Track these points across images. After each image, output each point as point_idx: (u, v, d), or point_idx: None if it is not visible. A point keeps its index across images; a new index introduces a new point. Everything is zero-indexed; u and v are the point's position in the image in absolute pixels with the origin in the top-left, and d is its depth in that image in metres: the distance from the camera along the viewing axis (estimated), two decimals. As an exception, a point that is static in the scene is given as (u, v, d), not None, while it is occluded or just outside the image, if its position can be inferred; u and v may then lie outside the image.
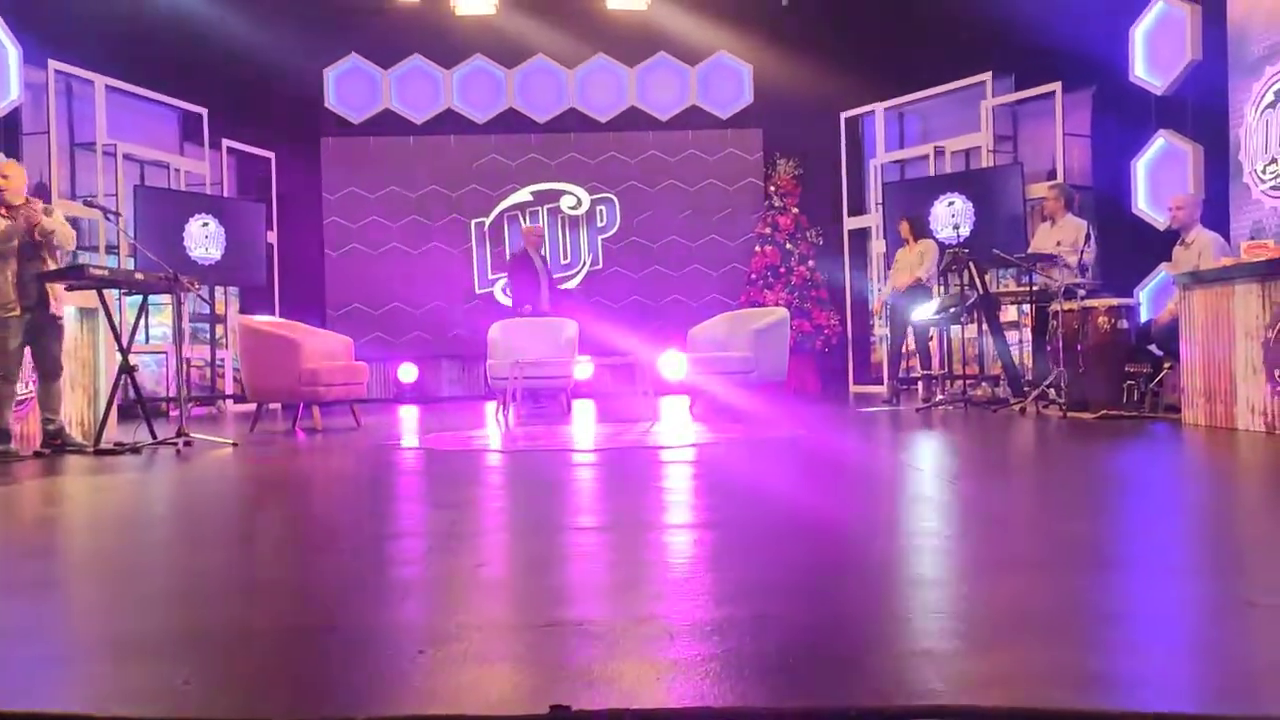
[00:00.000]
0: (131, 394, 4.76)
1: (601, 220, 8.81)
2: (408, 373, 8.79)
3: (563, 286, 8.66)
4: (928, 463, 3.31)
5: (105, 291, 4.43)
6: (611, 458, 3.67)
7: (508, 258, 7.94)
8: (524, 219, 8.98)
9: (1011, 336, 6.68)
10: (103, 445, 4.35)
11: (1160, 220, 6.00)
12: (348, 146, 9.03)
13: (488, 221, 9.07)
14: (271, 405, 6.79)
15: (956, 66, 7.71)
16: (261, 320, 5.89)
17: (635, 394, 5.90)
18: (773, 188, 8.73)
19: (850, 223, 8.74)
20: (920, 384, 6.72)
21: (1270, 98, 5.16)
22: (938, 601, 1.53)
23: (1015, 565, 1.77)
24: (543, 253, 6.77)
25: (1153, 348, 4.93)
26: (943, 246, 6.80)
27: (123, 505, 2.86)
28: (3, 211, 4.16)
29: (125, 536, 2.35)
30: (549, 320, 6.91)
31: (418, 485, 3.14)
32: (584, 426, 5.17)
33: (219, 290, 7.82)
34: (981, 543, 2.00)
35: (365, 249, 8.98)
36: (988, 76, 7.64)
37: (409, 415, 7.23)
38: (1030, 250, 5.70)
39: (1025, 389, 5.66)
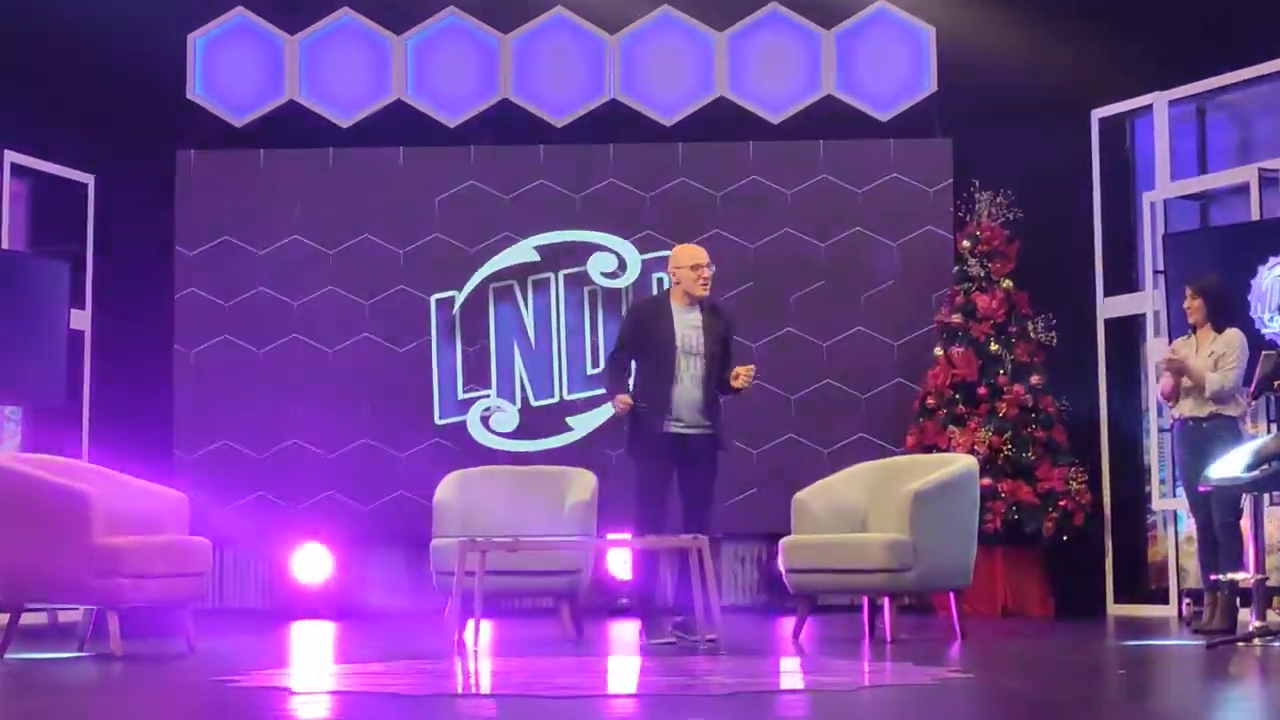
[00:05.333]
0: None
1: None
2: (313, 564, 9.10)
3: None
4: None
5: None
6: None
7: (625, 310, 8.29)
8: (523, 296, 9.40)
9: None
10: None
11: None
12: (223, 167, 9.53)
13: (460, 298, 9.38)
14: (36, 610, 6.99)
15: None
16: (25, 460, 6.27)
17: (698, 602, 6.29)
18: (968, 242, 8.95)
19: (1109, 306, 8.98)
20: (1218, 596, 6.92)
21: None
22: None
23: None
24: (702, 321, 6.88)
25: None
26: (1263, 344, 7.10)
27: None
28: None
29: None
30: (543, 472, 7.45)
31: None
32: (609, 660, 5.75)
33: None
34: None
35: (244, 343, 9.37)
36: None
37: (304, 638, 7.65)
38: None
39: None
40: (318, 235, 9.31)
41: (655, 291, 8.91)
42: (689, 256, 6.71)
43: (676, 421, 6.50)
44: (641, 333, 6.70)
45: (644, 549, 6.66)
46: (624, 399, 6.50)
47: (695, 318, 6.63)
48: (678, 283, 6.68)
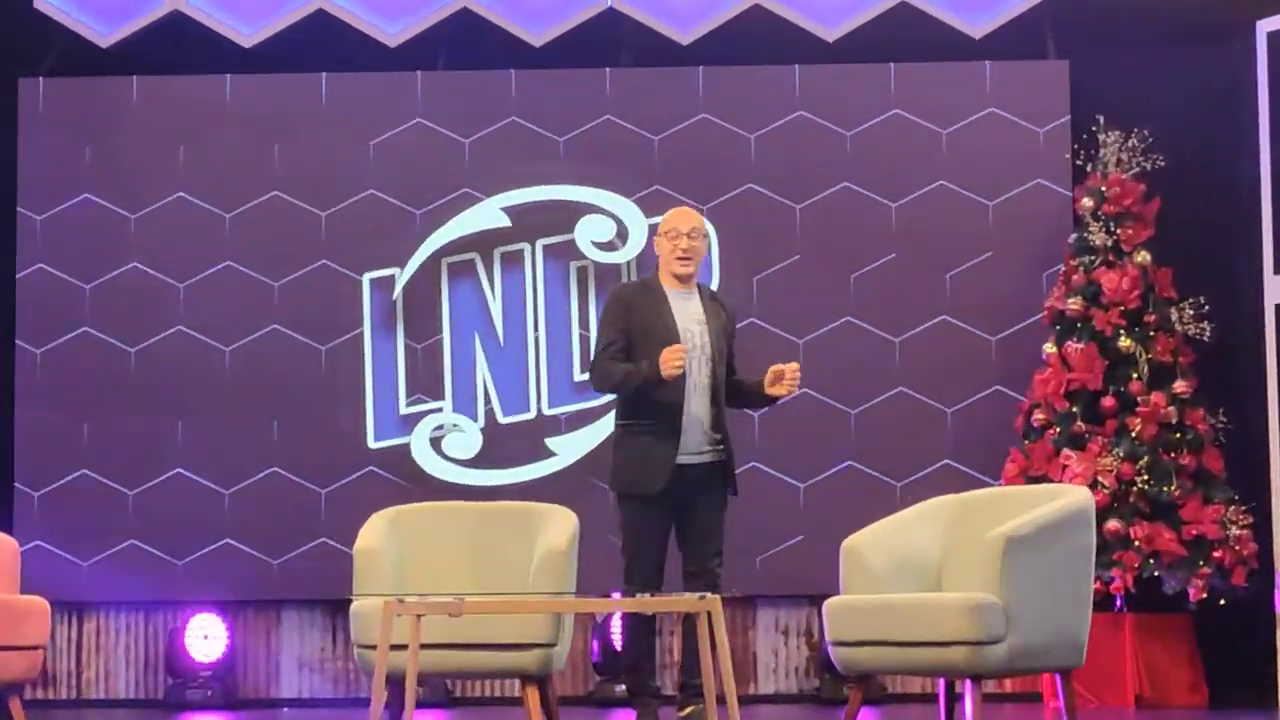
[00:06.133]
0: None
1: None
2: (202, 637, 9.06)
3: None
4: None
5: None
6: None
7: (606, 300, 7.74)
8: (488, 275, 9.37)
9: None
10: None
11: None
12: (83, 100, 9.50)
13: (403, 277, 9.38)
14: None
15: None
16: None
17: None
18: (1090, 200, 8.90)
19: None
20: None
21: None
22: None
23: None
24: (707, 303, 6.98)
25: None
26: None
27: None
28: None
29: None
30: (505, 511, 7.39)
31: None
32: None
33: None
34: None
35: (111, 339, 9.37)
36: None
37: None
38: None
39: None
40: (210, 193, 9.27)
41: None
42: (666, 220, 6.78)
43: (682, 450, 6.56)
44: (636, 325, 6.67)
45: (633, 613, 6.57)
46: (676, 351, 6.40)
47: (696, 306, 6.66)
48: (658, 256, 6.75)
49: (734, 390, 6.70)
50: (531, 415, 9.18)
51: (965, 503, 7.03)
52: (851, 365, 9.10)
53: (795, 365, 6.57)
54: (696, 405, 6.55)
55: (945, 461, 9.06)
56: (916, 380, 9.14)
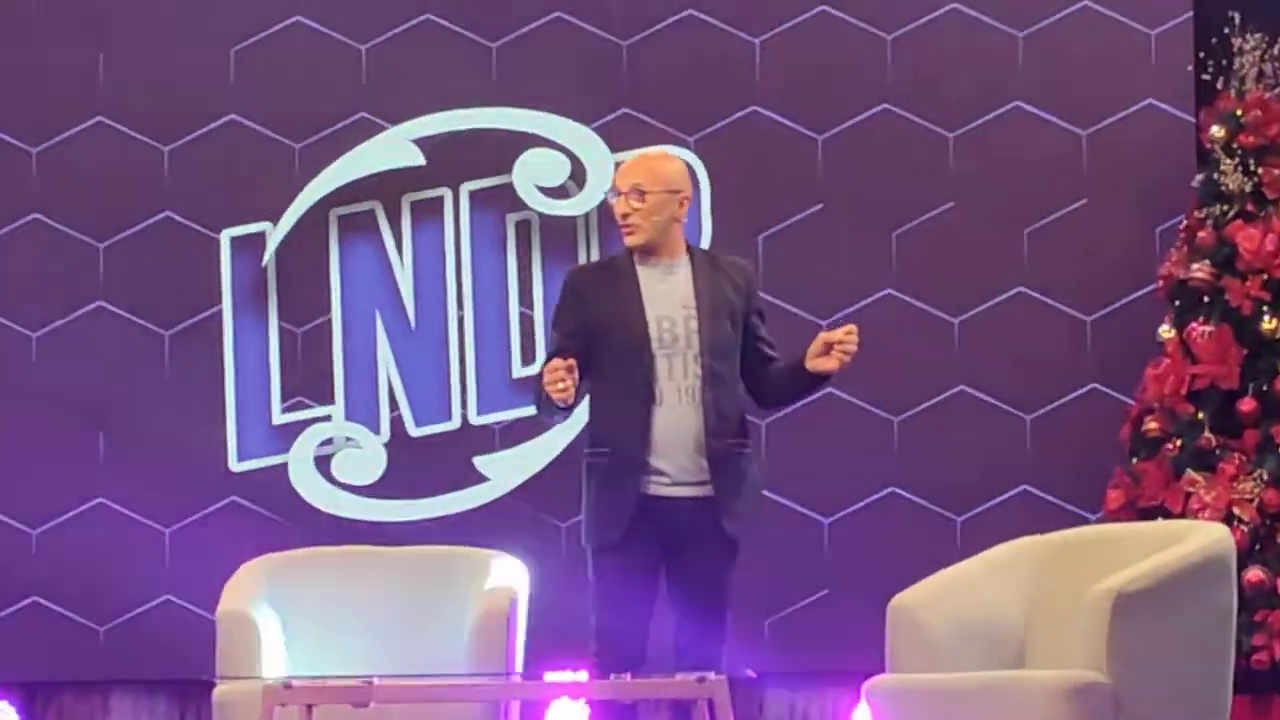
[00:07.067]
0: None
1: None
2: None
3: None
4: None
5: None
6: None
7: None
8: (393, 232, 9.45)
9: None
10: None
11: None
12: None
13: (276, 235, 9.45)
14: None
15: None
16: None
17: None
18: (1220, 129, 8.90)
19: None
20: None
21: None
22: None
23: None
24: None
25: None
26: None
27: None
28: None
29: None
30: (428, 559, 7.45)
31: None
32: None
33: None
34: None
35: None
36: None
37: None
38: None
39: None
40: (8, 117, 9.31)
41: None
42: (617, 172, 6.92)
43: (658, 477, 6.57)
44: (593, 320, 6.73)
45: (609, 701, 6.61)
46: (558, 365, 6.43)
47: (682, 284, 6.68)
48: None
49: (766, 381, 6.68)
50: (454, 425, 9.21)
51: (1056, 546, 7.05)
52: (894, 356, 9.00)
53: (851, 328, 6.52)
54: (677, 419, 6.55)
55: (1023, 487, 9.09)
56: (983, 376, 9.19)
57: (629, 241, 6.64)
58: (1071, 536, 7.25)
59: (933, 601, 6.79)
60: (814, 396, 6.94)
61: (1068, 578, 6.66)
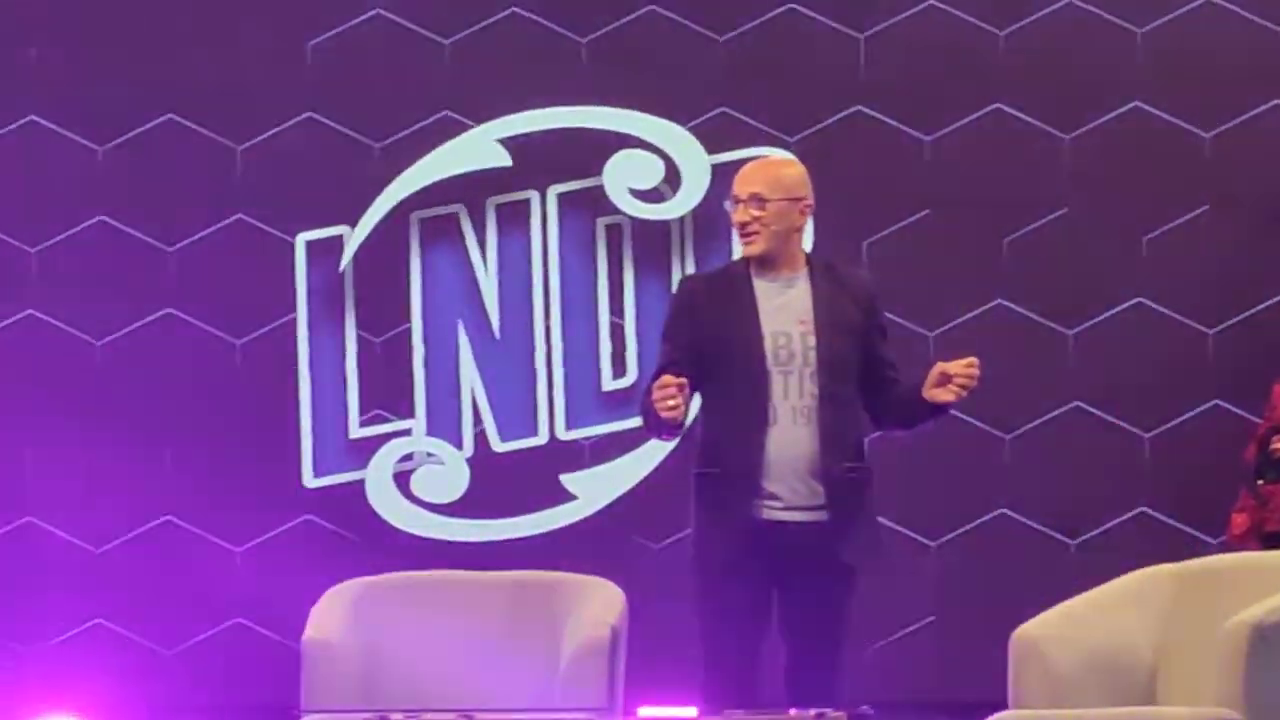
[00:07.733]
0: None
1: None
2: None
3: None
4: None
5: None
6: None
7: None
8: (477, 237, 9.40)
9: None
10: None
11: None
12: None
13: (354, 240, 9.39)
14: None
15: None
16: None
17: None
18: None
19: None
20: None
21: None
22: None
23: None
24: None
25: None
26: None
27: None
28: None
29: None
30: (522, 586, 7.42)
31: None
32: None
33: None
34: None
35: None
36: None
37: None
38: None
39: None
40: (74, 114, 9.30)
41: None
42: (736, 178, 6.90)
43: (771, 501, 6.53)
44: (707, 334, 6.68)
45: None
46: (669, 382, 6.39)
47: (801, 297, 6.63)
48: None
49: (885, 405, 6.65)
50: (541, 440, 9.25)
51: (1189, 576, 7.01)
52: (1005, 369, 8.71)
53: (972, 360, 6.45)
54: (791, 441, 6.50)
55: (1141, 509, 9.10)
56: (1099, 391, 9.21)
57: (747, 251, 6.60)
58: (1205, 565, 7.26)
59: (1058, 633, 6.74)
60: (930, 425, 6.82)
61: (1201, 609, 6.63)
